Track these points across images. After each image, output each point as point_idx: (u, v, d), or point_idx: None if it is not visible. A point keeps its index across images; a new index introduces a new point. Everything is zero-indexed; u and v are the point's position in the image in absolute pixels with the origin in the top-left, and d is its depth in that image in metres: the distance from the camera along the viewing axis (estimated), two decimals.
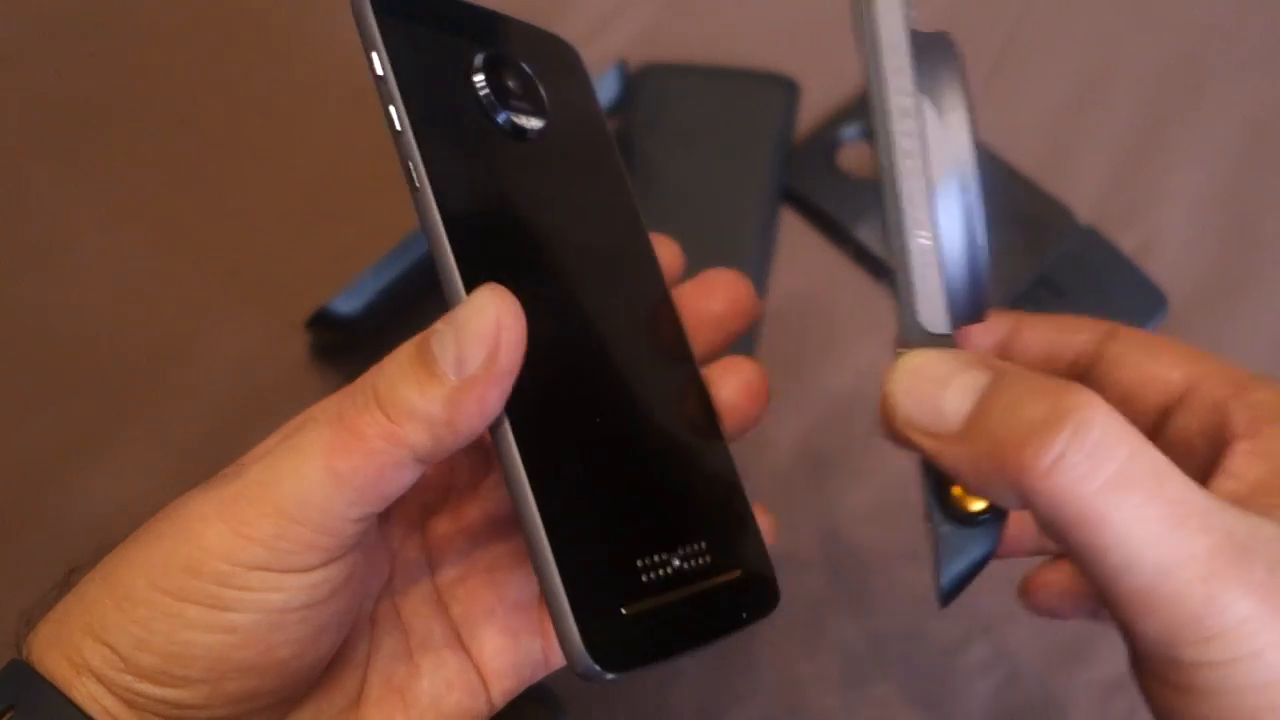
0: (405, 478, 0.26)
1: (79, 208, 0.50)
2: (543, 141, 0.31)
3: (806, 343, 0.49)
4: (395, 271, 0.46)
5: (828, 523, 0.45)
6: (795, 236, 0.51)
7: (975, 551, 0.27)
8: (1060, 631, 0.42)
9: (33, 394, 0.46)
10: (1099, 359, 0.31)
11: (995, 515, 0.26)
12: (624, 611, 0.27)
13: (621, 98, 0.53)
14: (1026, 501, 0.23)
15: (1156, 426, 0.30)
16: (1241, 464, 0.27)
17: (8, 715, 0.26)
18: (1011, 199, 0.51)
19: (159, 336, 0.48)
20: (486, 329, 0.25)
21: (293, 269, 0.49)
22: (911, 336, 0.26)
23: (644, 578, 0.28)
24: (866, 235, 0.50)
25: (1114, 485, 0.22)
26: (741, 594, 0.30)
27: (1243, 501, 0.25)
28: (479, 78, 0.30)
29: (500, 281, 0.27)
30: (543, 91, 0.32)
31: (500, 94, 0.30)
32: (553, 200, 0.31)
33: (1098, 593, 0.24)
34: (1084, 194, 0.52)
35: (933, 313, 0.26)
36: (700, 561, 0.29)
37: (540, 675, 0.31)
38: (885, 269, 0.50)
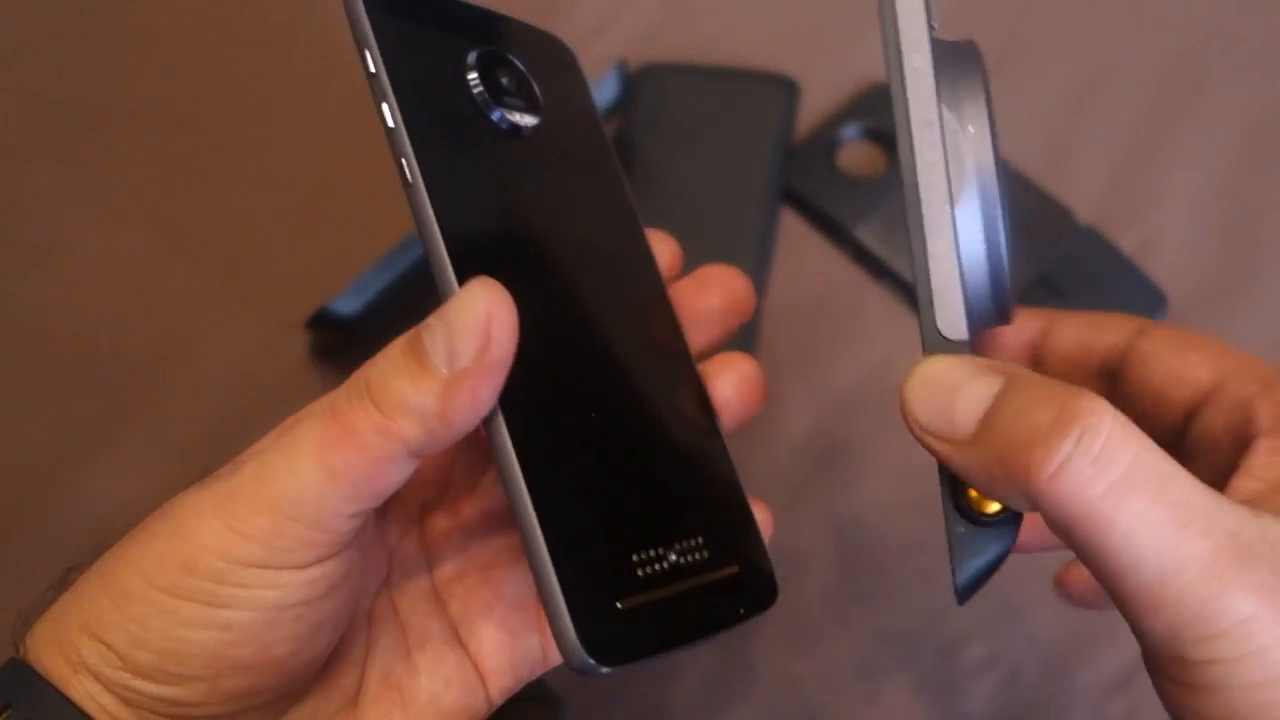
0: (399, 473, 0.26)
1: (79, 208, 0.50)
2: (537, 139, 0.31)
3: (806, 343, 0.49)
4: (395, 272, 0.46)
5: (826, 522, 0.45)
6: (795, 236, 0.51)
7: (991, 551, 0.27)
8: (1060, 631, 0.42)
9: (33, 394, 0.46)
10: (1129, 356, 0.31)
11: (1010, 516, 0.27)
12: (619, 605, 0.27)
13: (621, 98, 0.53)
14: (1035, 504, 0.24)
15: (1185, 423, 0.30)
16: (1261, 463, 0.27)
17: (5, 714, 0.26)
18: (1011, 199, 0.51)
19: (159, 336, 0.48)
20: (477, 321, 0.25)
21: (293, 269, 0.49)
22: (931, 342, 0.26)
23: (640, 572, 0.28)
24: (866, 235, 0.50)
25: (1119, 489, 0.22)
26: (738, 589, 0.30)
27: (1260, 500, 0.26)
28: (472, 75, 0.30)
29: (494, 277, 0.26)
30: (537, 89, 0.32)
31: (494, 91, 0.30)
32: (547, 197, 0.31)
33: (1106, 590, 0.24)
34: (1084, 194, 0.52)
35: (951, 320, 0.26)
36: (697, 556, 0.29)
37: (539, 672, 0.31)
38: (885, 269, 0.50)
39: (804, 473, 0.46)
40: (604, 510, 0.28)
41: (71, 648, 0.26)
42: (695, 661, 0.42)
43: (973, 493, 0.27)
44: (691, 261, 0.35)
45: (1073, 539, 0.24)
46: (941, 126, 0.26)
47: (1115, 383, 0.32)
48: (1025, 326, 0.33)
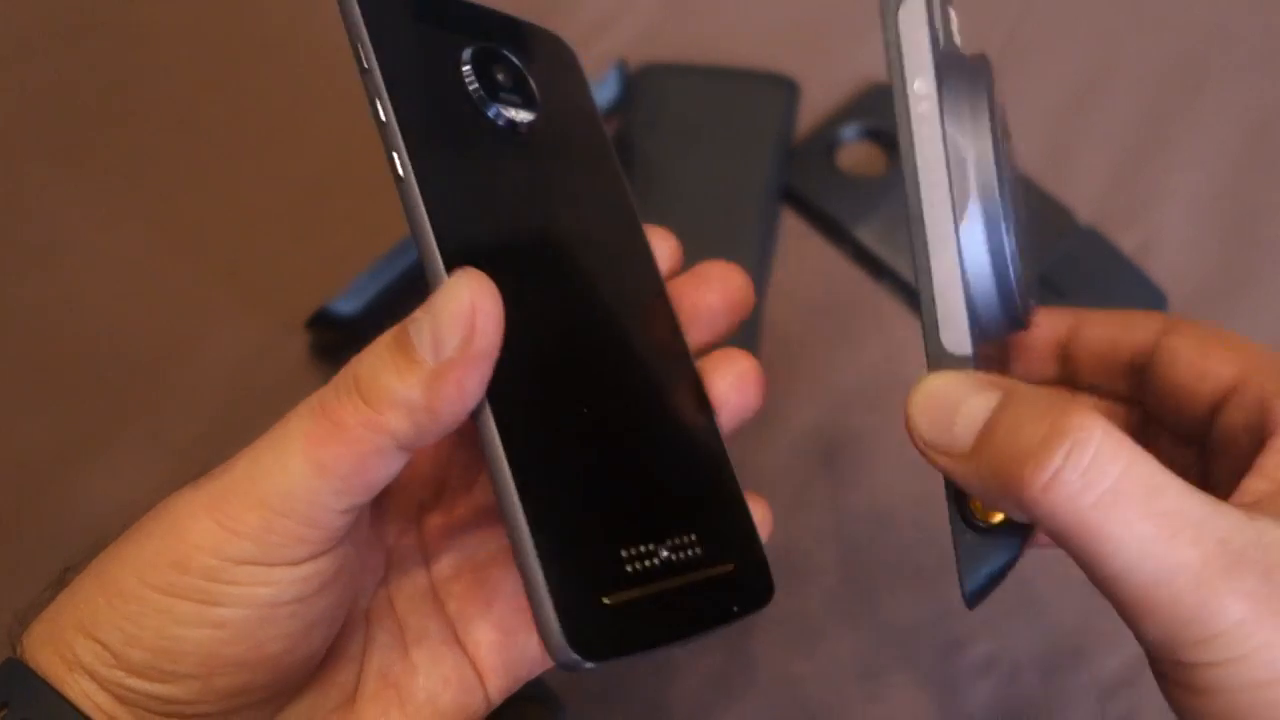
0: (389, 466, 0.26)
1: (79, 208, 0.50)
2: (533, 135, 0.31)
3: (806, 343, 0.49)
4: (394, 272, 0.46)
5: (826, 521, 0.45)
6: (795, 236, 0.51)
7: (997, 559, 0.28)
8: (1060, 631, 0.42)
9: (33, 394, 0.46)
10: (1156, 353, 0.31)
11: (1015, 525, 0.27)
12: (606, 601, 0.27)
13: (621, 98, 0.53)
14: (1030, 515, 0.24)
15: (1209, 420, 0.30)
16: (1274, 462, 0.27)
17: (2, 713, 0.26)
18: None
19: (159, 336, 0.48)
20: (461, 311, 0.25)
21: (293, 269, 0.49)
22: (935, 358, 0.27)
23: (629, 568, 0.28)
24: (866, 235, 0.50)
25: (1108, 500, 0.23)
26: (732, 587, 0.30)
27: (1269, 500, 0.26)
28: (468, 71, 0.30)
29: (485, 272, 0.26)
30: (534, 85, 0.32)
31: (489, 87, 0.30)
32: (543, 193, 0.31)
33: (1105, 597, 0.25)
34: (1084, 194, 0.52)
35: (955, 336, 0.27)
36: (689, 553, 0.29)
37: (537, 672, 0.31)
38: (885, 269, 0.50)
39: (804, 472, 0.46)
40: (593, 505, 0.28)
41: (67, 646, 0.26)
42: (696, 661, 0.42)
43: (976, 503, 0.27)
44: (691, 261, 0.35)
45: (1068, 547, 0.24)
46: (945, 147, 0.26)
47: (1143, 379, 0.32)
48: (1054, 325, 0.33)
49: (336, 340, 0.47)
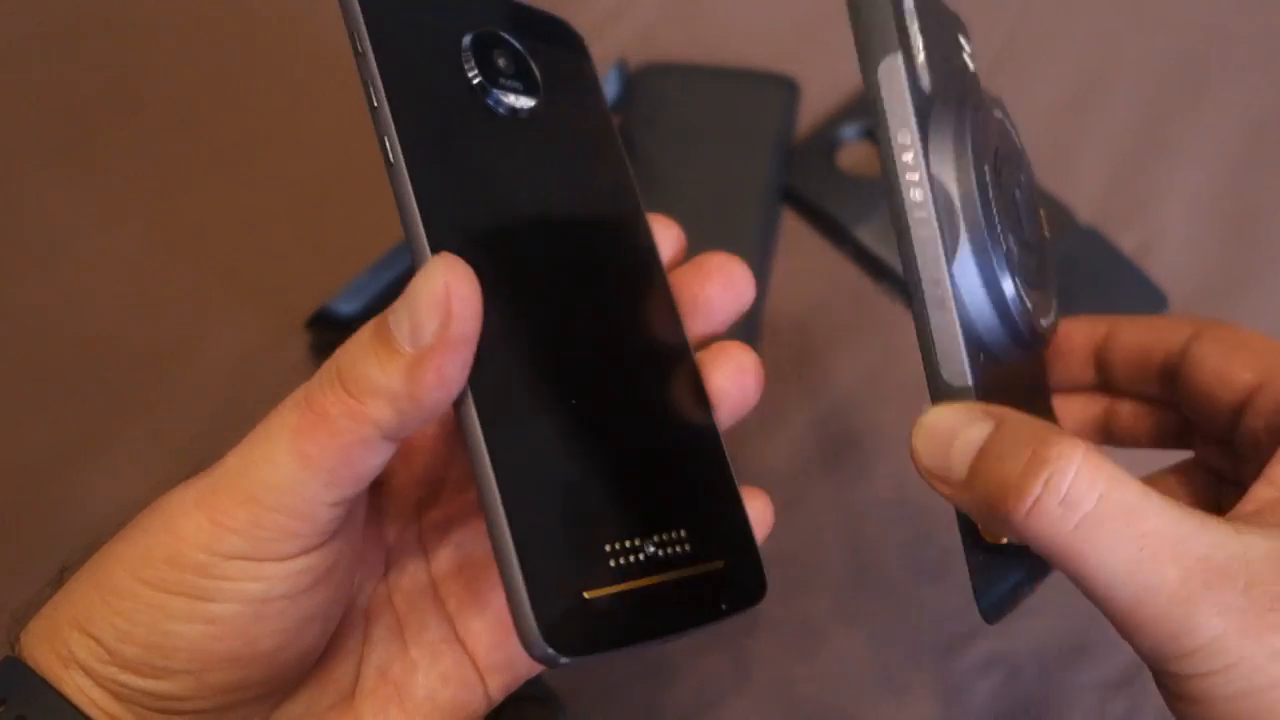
0: (375, 457, 0.26)
1: (79, 208, 0.50)
2: (535, 121, 0.31)
3: (806, 343, 0.49)
4: (395, 272, 0.46)
5: (825, 521, 0.45)
6: (795, 236, 0.51)
7: (1011, 575, 0.29)
8: (1060, 631, 0.42)
9: (32, 394, 0.46)
10: (1184, 359, 0.32)
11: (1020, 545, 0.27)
12: (586, 596, 0.27)
13: (621, 97, 0.53)
14: (1021, 540, 0.26)
15: (1232, 425, 0.31)
16: None
17: (0, 709, 0.26)
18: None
19: (159, 336, 0.48)
20: (437, 296, 0.25)
21: (293, 269, 0.49)
22: (936, 390, 0.28)
23: (612, 563, 0.27)
24: (866, 235, 0.50)
25: (1087, 525, 0.24)
26: (722, 585, 0.30)
27: (1272, 509, 0.27)
28: (468, 56, 0.30)
29: (476, 261, 0.26)
30: (537, 72, 0.32)
31: (489, 74, 0.30)
32: (542, 180, 0.31)
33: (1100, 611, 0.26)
34: (1084, 194, 0.52)
35: (954, 369, 0.27)
36: (678, 549, 0.29)
37: (538, 671, 0.31)
38: (885, 269, 0.50)
39: (804, 472, 0.46)
40: (577, 497, 0.28)
41: (63, 643, 0.26)
42: (696, 661, 0.42)
43: None
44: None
45: (1058, 568, 0.26)
46: (932, 191, 0.27)
47: (1175, 385, 0.32)
48: (1088, 333, 0.34)
49: (336, 340, 0.46)
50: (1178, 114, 0.54)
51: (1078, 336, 0.34)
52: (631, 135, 0.51)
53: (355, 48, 0.28)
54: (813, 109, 0.54)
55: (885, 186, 0.28)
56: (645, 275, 0.33)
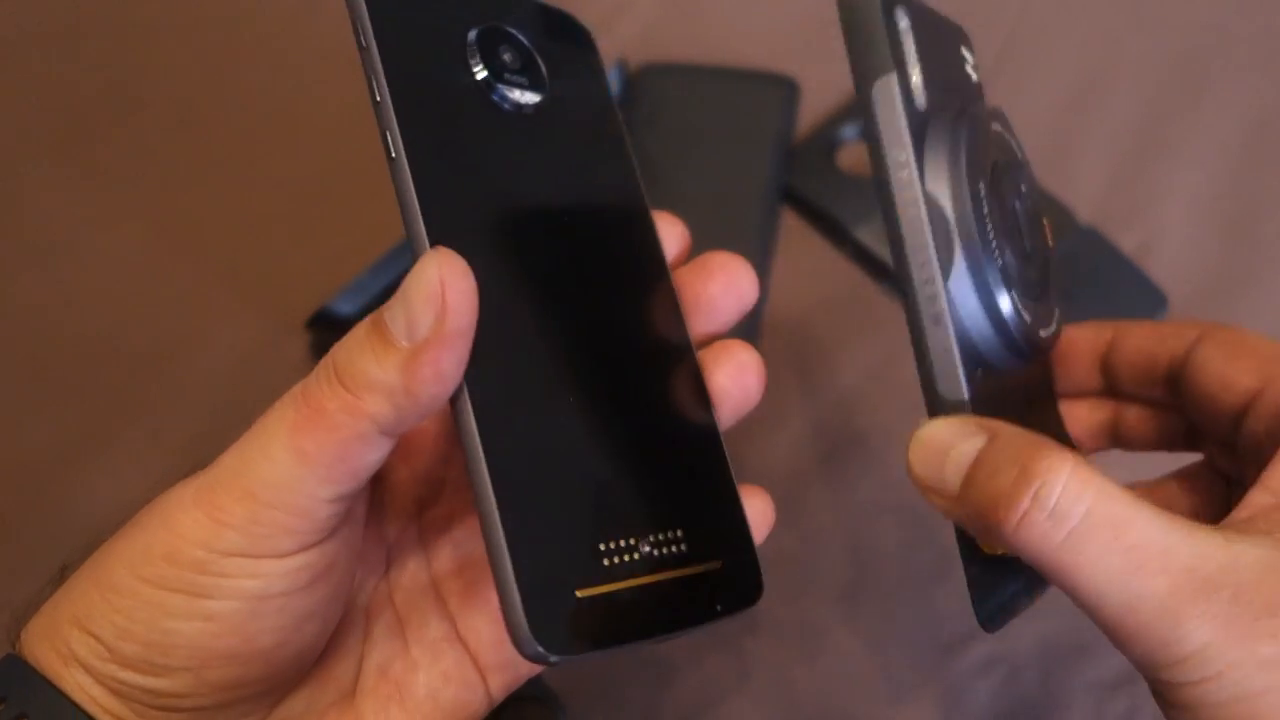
0: (372, 452, 0.26)
1: (78, 207, 0.50)
2: (540, 117, 0.31)
3: (806, 343, 0.49)
4: (395, 271, 0.46)
5: (825, 521, 0.45)
6: (795, 236, 0.51)
7: (1009, 586, 0.29)
8: (1060, 631, 0.42)
9: (32, 394, 0.46)
10: (1187, 363, 0.32)
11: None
12: (577, 594, 0.26)
13: (621, 98, 0.53)
14: (1013, 552, 0.26)
15: (1234, 429, 0.31)
16: (1278, 475, 0.28)
17: (0, 707, 0.26)
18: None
19: (159, 336, 0.48)
20: (431, 290, 0.25)
21: (293, 269, 0.49)
22: (932, 404, 0.28)
23: (606, 561, 0.27)
24: (866, 235, 0.50)
25: (1075, 538, 0.25)
26: (718, 585, 0.30)
27: (1265, 515, 0.27)
28: (473, 52, 0.30)
29: (476, 256, 0.26)
30: (543, 67, 0.32)
31: (494, 69, 0.30)
32: (546, 176, 0.31)
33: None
34: (1084, 194, 0.52)
35: (949, 384, 0.28)
36: (674, 549, 0.29)
37: (539, 670, 0.31)
38: (885, 269, 0.50)
39: (804, 472, 0.46)
40: (572, 495, 0.28)
41: (62, 641, 0.26)
42: (696, 661, 0.42)
43: None
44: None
45: (1049, 580, 0.26)
46: (926, 209, 0.27)
47: (1179, 389, 0.32)
48: (1094, 339, 0.34)
49: (336, 340, 0.47)
50: (1178, 114, 0.54)
51: (1082, 343, 0.35)
52: (631, 135, 0.51)
53: (359, 42, 0.28)
54: (813, 109, 0.54)
55: (880, 205, 0.28)
56: (649, 273, 0.33)
